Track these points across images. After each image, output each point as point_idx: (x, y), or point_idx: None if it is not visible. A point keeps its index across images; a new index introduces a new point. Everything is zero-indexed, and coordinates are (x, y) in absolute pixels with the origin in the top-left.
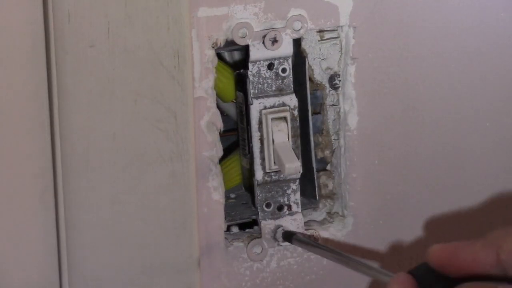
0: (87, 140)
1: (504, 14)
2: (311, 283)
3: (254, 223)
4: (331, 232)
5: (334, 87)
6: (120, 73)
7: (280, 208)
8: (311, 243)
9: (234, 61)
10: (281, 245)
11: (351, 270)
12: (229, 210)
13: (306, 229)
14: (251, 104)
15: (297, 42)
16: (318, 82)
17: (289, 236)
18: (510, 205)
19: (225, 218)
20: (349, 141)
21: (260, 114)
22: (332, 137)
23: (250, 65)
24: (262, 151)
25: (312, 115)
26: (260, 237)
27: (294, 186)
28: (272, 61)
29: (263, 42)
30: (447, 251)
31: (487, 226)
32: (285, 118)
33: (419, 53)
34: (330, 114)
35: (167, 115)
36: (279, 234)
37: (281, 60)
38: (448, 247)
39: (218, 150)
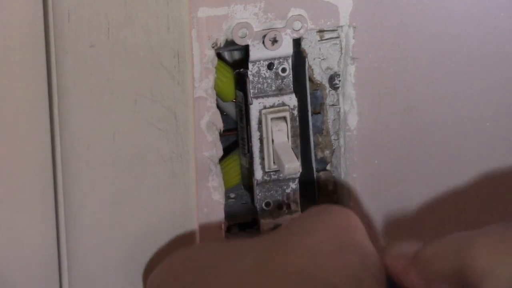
0: (87, 140)
1: (504, 14)
2: None
3: (254, 223)
4: None
5: (334, 87)
6: (120, 73)
7: (279, 207)
8: None
9: (234, 60)
10: None
11: None
12: (229, 210)
13: None
14: (251, 104)
15: (297, 42)
16: (318, 82)
17: None
18: (510, 205)
19: (225, 218)
20: (349, 141)
21: (260, 114)
22: (332, 137)
23: (250, 65)
24: (261, 150)
25: (312, 115)
26: None
27: (294, 185)
28: (272, 61)
29: (263, 42)
30: (401, 262)
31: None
32: (284, 118)
33: (419, 53)
34: (330, 114)
35: (167, 115)
36: None
37: (281, 60)
38: (402, 257)
39: (218, 150)
